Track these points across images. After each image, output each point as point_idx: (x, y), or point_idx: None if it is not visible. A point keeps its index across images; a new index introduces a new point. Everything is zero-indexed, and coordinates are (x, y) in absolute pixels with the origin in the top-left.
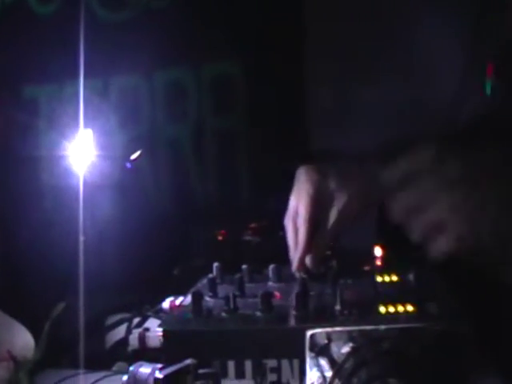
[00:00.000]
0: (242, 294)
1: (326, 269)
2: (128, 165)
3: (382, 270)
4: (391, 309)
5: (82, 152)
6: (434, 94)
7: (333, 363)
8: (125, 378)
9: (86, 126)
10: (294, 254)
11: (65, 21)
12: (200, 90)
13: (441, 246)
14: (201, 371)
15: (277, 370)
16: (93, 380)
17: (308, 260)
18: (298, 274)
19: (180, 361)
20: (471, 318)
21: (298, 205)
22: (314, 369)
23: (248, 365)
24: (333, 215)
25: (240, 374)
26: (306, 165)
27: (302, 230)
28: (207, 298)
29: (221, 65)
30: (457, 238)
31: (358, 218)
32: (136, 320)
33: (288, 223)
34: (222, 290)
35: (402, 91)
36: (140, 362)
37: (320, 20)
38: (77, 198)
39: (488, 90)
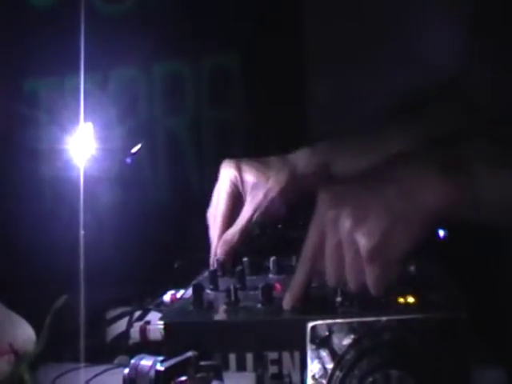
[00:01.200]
0: (243, 287)
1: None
2: (128, 160)
3: None
4: (392, 300)
5: (82, 145)
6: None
7: (334, 355)
8: (126, 370)
9: (85, 119)
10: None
11: (64, 13)
12: (198, 82)
13: None
14: (202, 363)
15: (278, 362)
16: (94, 373)
17: (218, 253)
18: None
19: (181, 353)
20: (472, 307)
21: (217, 199)
22: (315, 361)
23: (249, 357)
24: (244, 211)
25: (241, 367)
26: (227, 160)
27: (215, 225)
28: (208, 291)
29: (219, 57)
30: None
31: (277, 213)
32: (137, 313)
33: (209, 217)
34: (223, 282)
35: (403, 83)
36: (141, 355)
37: (320, 12)
38: (77, 191)
39: None
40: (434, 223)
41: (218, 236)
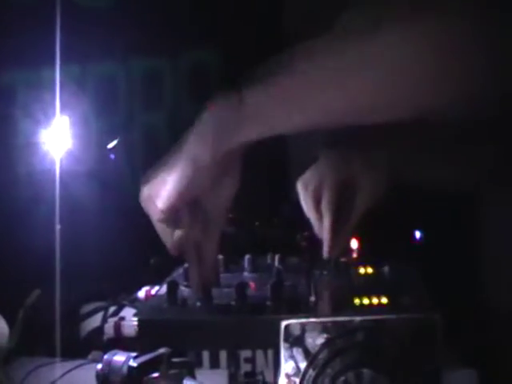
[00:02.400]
0: (217, 284)
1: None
2: (112, 156)
3: (358, 262)
4: (366, 301)
5: (58, 140)
6: None
7: (307, 354)
8: (99, 366)
9: (62, 112)
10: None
11: (40, 5)
12: (177, 79)
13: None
14: (175, 360)
15: (251, 360)
16: (68, 368)
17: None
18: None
19: (154, 350)
20: (444, 308)
21: (322, 189)
22: (289, 359)
23: (222, 355)
24: (360, 202)
25: (214, 364)
26: (327, 150)
27: (328, 215)
28: (182, 288)
29: (198, 53)
30: None
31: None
32: (112, 309)
33: (310, 207)
34: None
35: None
36: (114, 351)
37: (299, 7)
38: (53, 186)
39: None
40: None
41: (332, 226)
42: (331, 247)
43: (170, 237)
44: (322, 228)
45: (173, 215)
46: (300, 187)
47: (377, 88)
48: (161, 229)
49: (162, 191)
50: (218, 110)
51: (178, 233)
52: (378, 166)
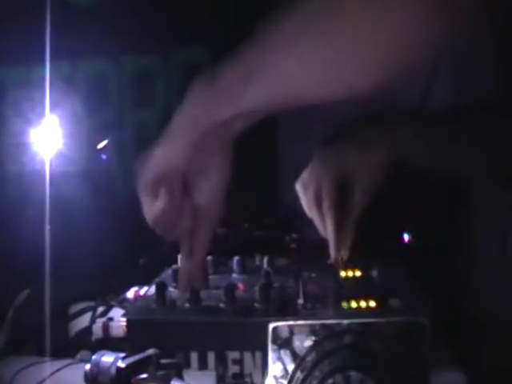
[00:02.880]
0: (206, 286)
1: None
2: (103, 156)
3: (346, 265)
4: (354, 303)
5: (48, 138)
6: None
7: (295, 356)
8: (88, 366)
9: (52, 111)
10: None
11: (31, 4)
12: (168, 77)
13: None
14: (163, 361)
15: (239, 361)
16: (56, 368)
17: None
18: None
19: (143, 351)
20: (433, 312)
21: (321, 190)
22: (277, 361)
23: (211, 356)
24: (359, 198)
25: (202, 365)
26: (323, 148)
27: (330, 216)
28: (171, 289)
29: (189, 52)
30: None
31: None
32: (100, 309)
33: (312, 208)
34: None
35: None
36: (103, 351)
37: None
38: (43, 186)
39: None
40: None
41: (336, 227)
42: (338, 248)
43: (162, 222)
44: (327, 229)
45: (165, 198)
46: (299, 189)
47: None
48: (154, 215)
49: (152, 166)
50: (196, 89)
51: (169, 218)
52: (375, 161)
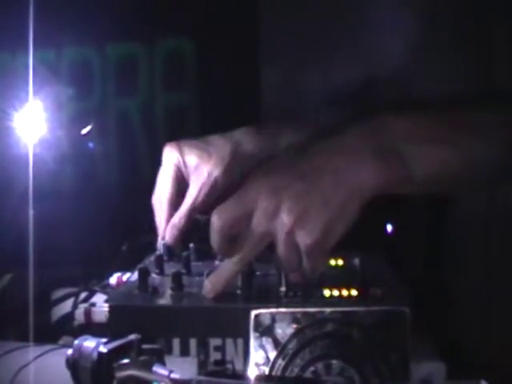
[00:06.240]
0: (189, 272)
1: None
2: (90, 144)
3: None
4: (336, 292)
5: (31, 124)
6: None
7: (277, 344)
8: (69, 351)
9: (35, 97)
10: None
11: None
12: (152, 66)
13: None
14: (145, 347)
15: (221, 348)
16: (38, 353)
17: (166, 237)
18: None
19: (125, 336)
20: (414, 301)
21: (161, 184)
22: (258, 349)
23: (192, 343)
24: (189, 193)
25: (184, 352)
26: (169, 143)
27: (161, 210)
28: (154, 275)
29: (174, 41)
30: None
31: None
32: (83, 294)
33: (154, 203)
34: (169, 267)
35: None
36: (85, 336)
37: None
38: (26, 171)
39: None
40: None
41: (165, 220)
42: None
43: None
44: None
45: None
46: None
47: None
48: None
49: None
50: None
51: None
52: None
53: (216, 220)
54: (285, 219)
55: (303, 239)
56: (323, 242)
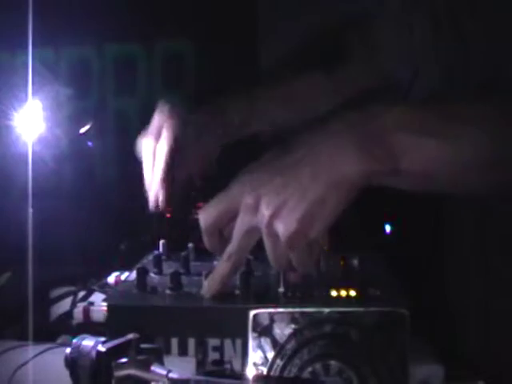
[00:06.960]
0: (187, 272)
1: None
2: (90, 143)
3: (327, 254)
4: (334, 292)
5: (30, 123)
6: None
7: (275, 344)
8: (68, 350)
9: (34, 96)
10: (150, 187)
11: None
12: (150, 66)
13: None
14: (143, 346)
15: (219, 348)
16: (37, 352)
17: (160, 197)
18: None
19: (123, 335)
20: (412, 302)
21: (164, 126)
22: (257, 349)
23: (191, 342)
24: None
25: (183, 351)
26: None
27: (162, 159)
28: (152, 275)
29: (173, 42)
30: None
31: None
32: (81, 294)
33: (147, 143)
34: (167, 266)
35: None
36: (83, 335)
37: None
38: (25, 170)
39: None
40: (353, 194)
41: (165, 173)
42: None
43: None
44: None
45: None
46: None
47: None
48: None
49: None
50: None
51: None
52: None
53: (202, 217)
54: (264, 212)
55: (281, 230)
56: (302, 232)
